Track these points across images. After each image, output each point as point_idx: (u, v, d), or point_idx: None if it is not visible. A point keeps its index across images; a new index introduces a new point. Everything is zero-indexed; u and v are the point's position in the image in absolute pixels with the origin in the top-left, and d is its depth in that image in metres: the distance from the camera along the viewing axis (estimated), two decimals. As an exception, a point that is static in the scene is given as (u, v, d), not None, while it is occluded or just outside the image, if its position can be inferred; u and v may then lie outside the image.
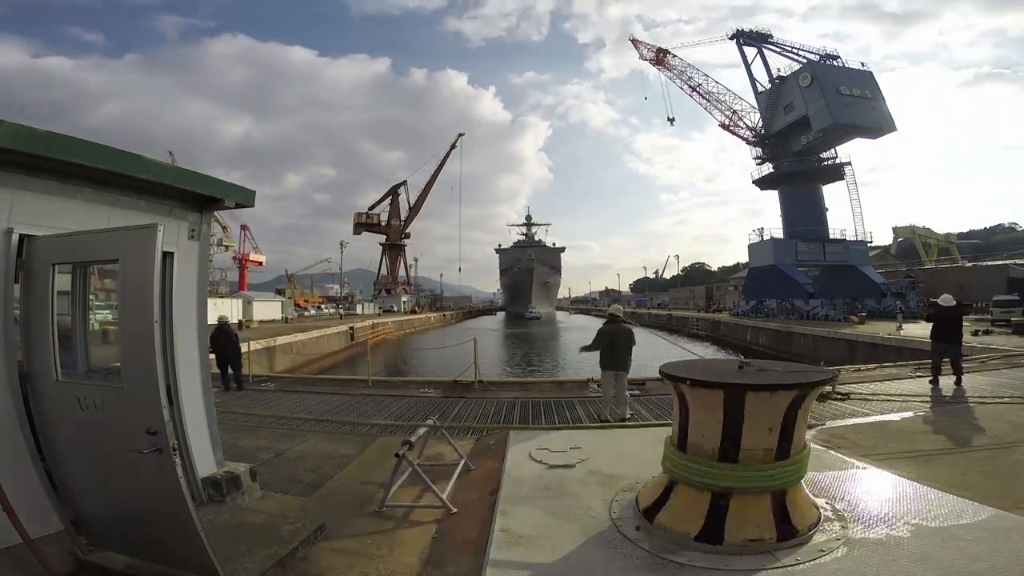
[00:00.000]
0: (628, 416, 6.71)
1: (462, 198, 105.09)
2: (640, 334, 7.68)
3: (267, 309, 42.61)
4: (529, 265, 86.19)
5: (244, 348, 14.90)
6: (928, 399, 7.52)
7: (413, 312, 66.22)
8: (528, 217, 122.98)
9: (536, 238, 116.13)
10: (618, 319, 7.17)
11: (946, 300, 9.04)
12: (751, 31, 42.81)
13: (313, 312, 56.23)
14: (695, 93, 45.54)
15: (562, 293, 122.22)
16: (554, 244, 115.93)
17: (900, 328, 20.19)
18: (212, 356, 9.07)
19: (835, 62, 38.54)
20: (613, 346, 6.81)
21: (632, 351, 6.95)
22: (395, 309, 68.19)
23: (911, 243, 58.59)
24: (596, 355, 6.98)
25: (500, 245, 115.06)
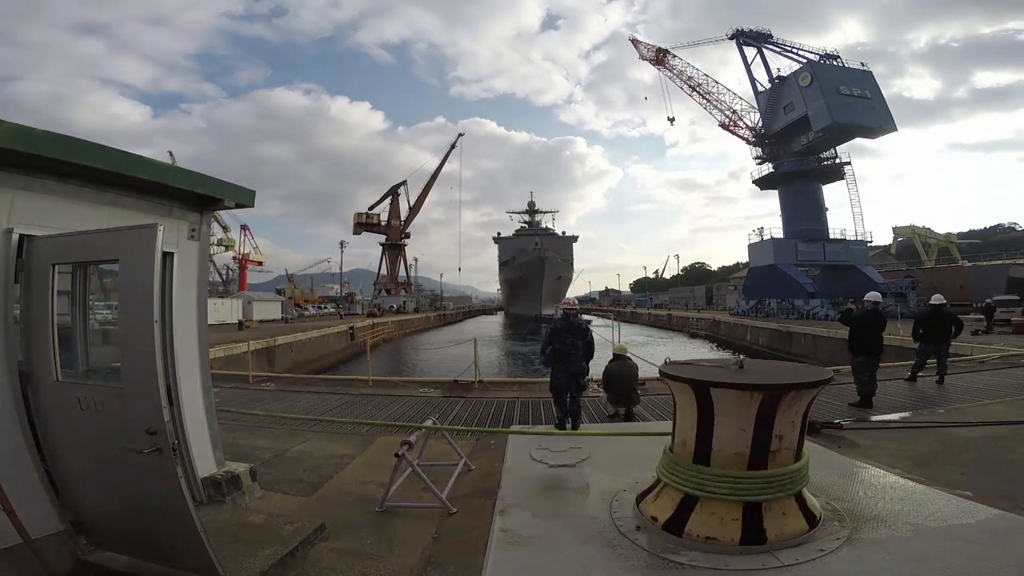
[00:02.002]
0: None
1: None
2: (642, 333, 7.72)
3: (267, 309, 42.63)
4: (540, 254, 66.88)
5: (244, 348, 14.95)
6: (927, 399, 7.52)
7: (371, 315, 51.20)
8: (531, 204, 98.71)
9: (543, 226, 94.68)
10: (622, 356, 7.24)
11: (936, 299, 9.04)
12: (751, 31, 42.82)
13: (313, 312, 56.26)
14: (695, 93, 45.58)
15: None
16: (564, 232, 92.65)
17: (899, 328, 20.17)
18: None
19: (835, 62, 38.56)
20: (617, 383, 6.97)
21: (636, 386, 7.14)
22: (394, 308, 67.49)
23: (911, 243, 58.62)
24: (597, 357, 7.06)
25: (499, 233, 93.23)
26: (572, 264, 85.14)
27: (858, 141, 40.99)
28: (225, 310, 35.94)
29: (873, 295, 8.19)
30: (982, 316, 21.26)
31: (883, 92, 38.25)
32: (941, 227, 77.60)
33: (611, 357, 7.34)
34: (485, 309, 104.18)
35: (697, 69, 45.70)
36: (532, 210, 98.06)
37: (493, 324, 65.79)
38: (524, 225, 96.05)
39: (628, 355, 7.35)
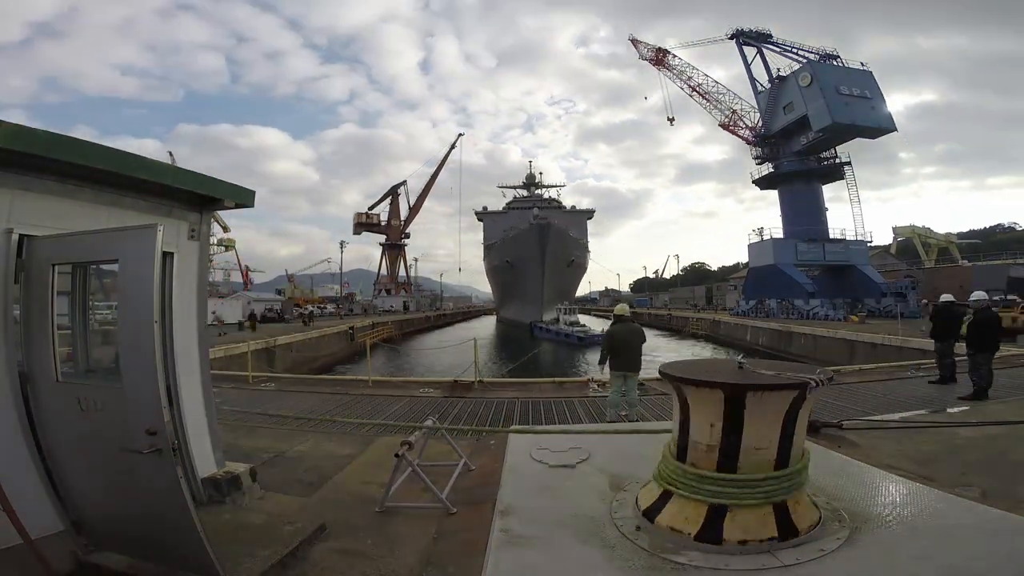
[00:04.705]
0: (637, 419, 6.66)
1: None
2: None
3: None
4: (539, 222, 42.03)
5: (244, 348, 14.96)
6: (927, 399, 7.53)
7: (302, 317, 37.60)
8: (530, 176, 76.84)
9: (546, 197, 73.69)
10: (625, 318, 7.14)
11: (944, 298, 9.13)
12: (751, 31, 42.82)
13: (314, 311, 55.98)
14: (695, 93, 45.59)
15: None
16: (574, 207, 71.38)
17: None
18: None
19: (835, 62, 38.57)
20: (621, 347, 6.79)
21: (642, 350, 6.96)
22: (393, 308, 66.91)
23: (911, 243, 58.58)
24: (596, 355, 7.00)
25: (485, 207, 72.35)
26: (587, 248, 60.58)
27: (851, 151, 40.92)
28: (227, 310, 35.96)
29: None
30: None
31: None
32: (941, 227, 77.33)
33: (612, 321, 7.20)
34: (483, 309, 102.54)
35: (697, 69, 45.75)
36: (531, 183, 75.90)
37: (466, 333, 41.26)
38: (520, 196, 73.56)
39: (631, 318, 7.27)
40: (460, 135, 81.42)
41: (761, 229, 41.41)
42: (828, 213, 41.09)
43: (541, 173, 79.94)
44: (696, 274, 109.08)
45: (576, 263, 52.56)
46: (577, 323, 36.54)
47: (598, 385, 9.27)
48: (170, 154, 62.64)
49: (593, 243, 67.45)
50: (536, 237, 41.59)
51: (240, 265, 77.91)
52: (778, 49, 41.59)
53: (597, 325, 41.70)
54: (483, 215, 71.49)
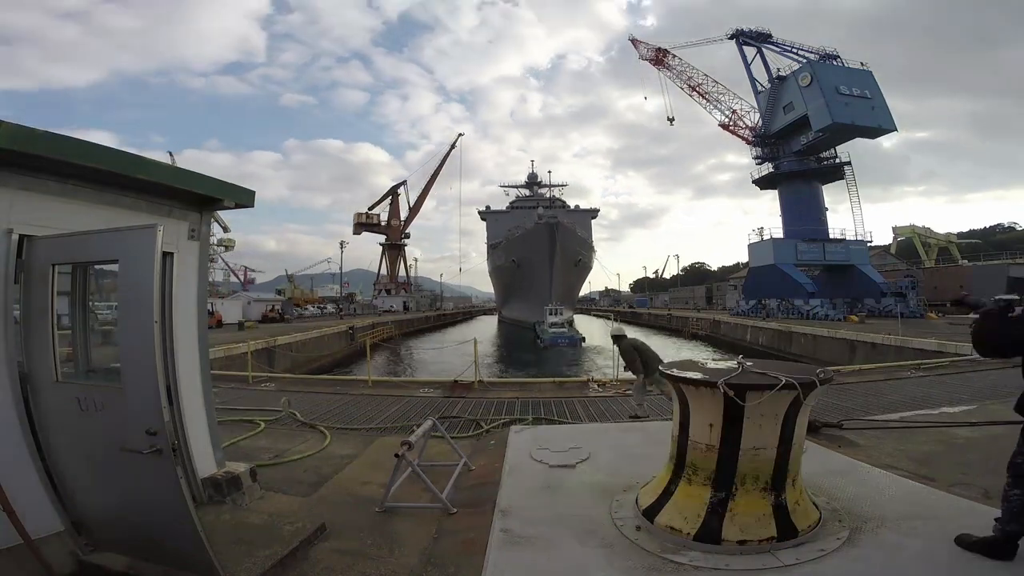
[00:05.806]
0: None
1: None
2: (641, 334, 7.68)
3: (261, 309, 42.59)
4: (547, 220, 41.68)
5: (244, 348, 14.95)
6: (927, 399, 7.52)
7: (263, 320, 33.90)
8: (532, 175, 77.41)
9: (549, 196, 74.17)
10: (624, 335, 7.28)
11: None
12: (751, 31, 42.78)
13: (315, 311, 55.94)
14: (695, 93, 45.55)
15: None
16: (578, 206, 71.64)
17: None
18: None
19: (835, 62, 38.55)
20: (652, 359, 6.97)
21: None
22: (393, 308, 66.66)
23: (911, 242, 58.54)
24: (592, 356, 7.03)
25: (488, 207, 73.53)
26: (593, 248, 59.06)
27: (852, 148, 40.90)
28: (228, 310, 36.00)
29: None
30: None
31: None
32: (941, 227, 77.27)
33: (619, 338, 7.20)
34: (483, 309, 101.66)
35: (696, 69, 45.70)
36: (533, 182, 76.37)
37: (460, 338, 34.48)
38: (523, 195, 74.21)
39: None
40: (460, 135, 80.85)
41: (761, 229, 41.42)
42: (828, 213, 41.14)
43: (550, 172, 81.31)
44: (696, 274, 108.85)
45: (582, 263, 52.24)
46: (560, 324, 34.46)
47: (598, 385, 9.27)
48: (170, 154, 62.72)
49: (608, 247, 70.85)
50: (545, 236, 40.95)
51: (232, 265, 77.73)
52: (778, 49, 41.54)
53: (597, 326, 41.55)
54: (486, 214, 71.81)
